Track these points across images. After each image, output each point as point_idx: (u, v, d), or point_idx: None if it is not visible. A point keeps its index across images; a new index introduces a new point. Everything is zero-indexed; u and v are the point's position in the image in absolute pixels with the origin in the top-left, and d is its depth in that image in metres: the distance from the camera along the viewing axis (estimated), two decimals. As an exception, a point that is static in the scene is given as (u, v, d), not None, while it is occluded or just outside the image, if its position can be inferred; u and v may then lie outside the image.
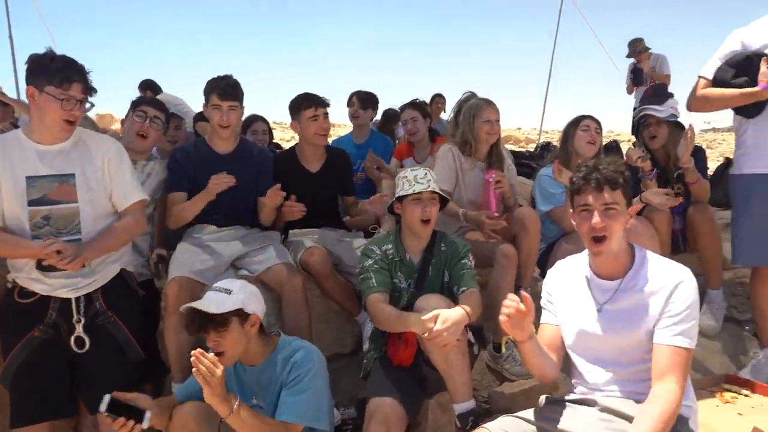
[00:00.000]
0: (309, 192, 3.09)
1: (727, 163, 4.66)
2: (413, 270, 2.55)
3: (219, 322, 2.02)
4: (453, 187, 3.16)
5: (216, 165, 2.88)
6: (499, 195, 3.01)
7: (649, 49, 6.77)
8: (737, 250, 2.82)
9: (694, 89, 2.85)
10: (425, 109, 4.36)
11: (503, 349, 2.85)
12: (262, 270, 2.80)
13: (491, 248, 2.88)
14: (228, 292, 2.10)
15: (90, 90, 2.24)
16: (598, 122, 3.28)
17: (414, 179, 2.51)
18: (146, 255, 2.97)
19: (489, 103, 3.19)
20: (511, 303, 1.84)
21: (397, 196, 2.55)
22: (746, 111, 2.69)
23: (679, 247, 3.27)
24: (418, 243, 2.58)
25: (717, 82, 2.74)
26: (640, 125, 3.37)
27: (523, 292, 1.91)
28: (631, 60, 6.99)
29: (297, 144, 3.33)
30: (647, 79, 6.69)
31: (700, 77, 2.84)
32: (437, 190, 2.52)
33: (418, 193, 2.47)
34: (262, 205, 2.97)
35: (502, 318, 1.87)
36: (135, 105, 3.01)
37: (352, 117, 4.54)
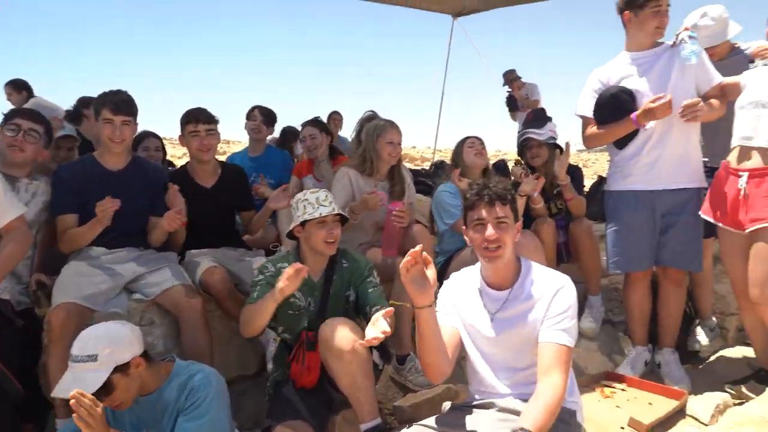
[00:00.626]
0: (205, 209, 3.01)
1: (600, 180, 5.16)
2: (314, 288, 2.54)
3: (100, 392, 1.85)
4: (345, 210, 3.24)
5: (106, 182, 2.74)
6: (400, 228, 3.05)
7: (520, 78, 7.32)
8: (610, 258, 3.12)
9: (583, 129, 3.14)
10: (325, 126, 4.39)
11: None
12: (158, 292, 2.67)
13: (390, 263, 2.95)
14: (93, 358, 1.89)
15: None
16: (481, 140, 3.57)
17: (317, 202, 2.50)
18: (25, 281, 2.71)
19: (393, 125, 3.29)
20: (412, 252, 1.86)
21: (301, 220, 2.50)
22: (618, 142, 3.00)
23: (562, 258, 3.57)
24: (319, 261, 2.56)
25: (597, 119, 3.02)
26: (523, 147, 3.67)
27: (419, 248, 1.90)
28: (506, 88, 7.50)
29: (188, 161, 3.24)
30: (522, 105, 7.22)
31: (581, 116, 3.12)
32: (340, 212, 2.54)
33: (323, 216, 2.47)
34: (154, 225, 2.85)
35: (402, 271, 1.87)
36: (7, 118, 2.74)
37: (253, 131, 4.47)
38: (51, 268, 2.74)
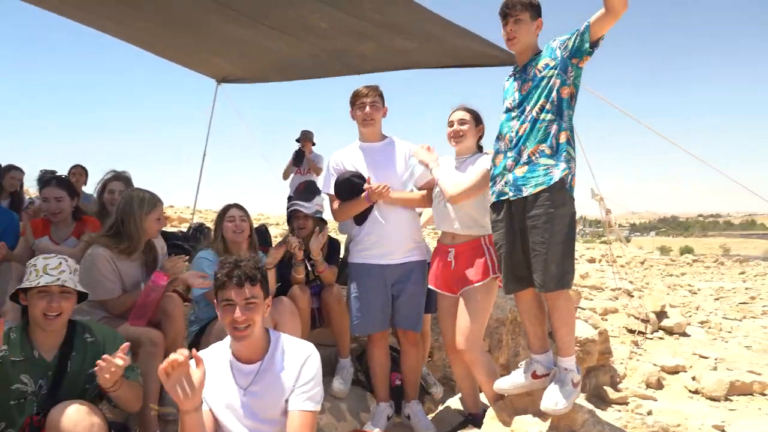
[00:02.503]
0: None
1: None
2: (47, 368, 2.26)
3: None
4: (119, 293, 3.05)
5: None
6: (159, 299, 2.96)
7: (315, 144, 7.71)
8: (353, 322, 3.44)
9: (330, 204, 3.50)
10: (73, 188, 3.87)
11: None
12: None
13: (137, 336, 2.80)
14: None
15: None
16: (243, 210, 3.58)
17: (44, 270, 2.25)
18: None
19: (160, 201, 3.22)
20: (173, 357, 1.81)
21: (20, 286, 2.25)
22: (357, 220, 3.42)
23: (316, 322, 3.78)
24: (52, 337, 2.31)
25: (338, 197, 3.41)
26: (291, 216, 3.88)
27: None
28: (298, 145, 7.74)
29: None
30: (306, 164, 7.54)
31: (326, 194, 3.51)
32: (69, 285, 2.29)
33: (44, 286, 2.23)
34: None
35: (161, 376, 1.81)
36: None
37: None
38: None
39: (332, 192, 3.43)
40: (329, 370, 3.82)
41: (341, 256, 4.09)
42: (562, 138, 2.75)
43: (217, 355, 2.19)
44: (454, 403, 3.78)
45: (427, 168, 3.23)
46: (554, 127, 2.75)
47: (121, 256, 3.06)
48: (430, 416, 3.71)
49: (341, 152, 3.51)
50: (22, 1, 4.58)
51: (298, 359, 2.15)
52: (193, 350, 1.93)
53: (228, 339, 2.18)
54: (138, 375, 2.45)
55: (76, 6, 4.93)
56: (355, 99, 3.37)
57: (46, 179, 3.83)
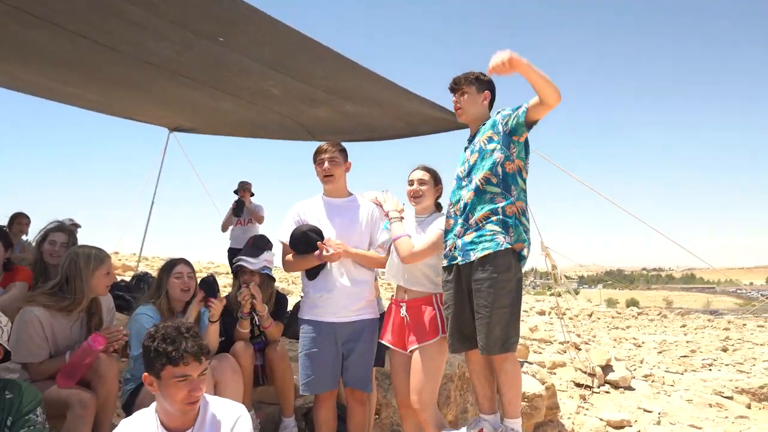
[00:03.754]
0: None
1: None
2: None
3: None
4: (46, 357, 2.90)
5: None
6: (90, 363, 2.83)
7: (253, 195, 7.67)
8: (302, 381, 3.33)
9: (283, 254, 3.42)
10: (8, 238, 3.77)
11: None
12: None
13: (66, 397, 2.66)
14: None
15: None
16: (191, 266, 3.49)
17: None
18: None
19: (108, 256, 3.12)
20: None
21: None
22: (309, 274, 3.35)
23: (259, 380, 3.66)
24: None
25: (293, 249, 3.34)
26: (237, 271, 3.78)
27: None
28: (236, 196, 7.69)
29: None
30: (247, 214, 7.48)
31: (281, 242, 3.42)
32: None
33: None
34: None
35: None
36: None
37: None
38: None
39: (288, 242, 3.37)
40: (273, 429, 3.69)
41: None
42: (510, 211, 2.85)
43: (144, 423, 2.09)
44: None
45: (388, 219, 3.26)
46: (501, 200, 2.86)
47: (59, 314, 2.94)
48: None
49: (304, 203, 3.47)
50: None
51: (228, 423, 2.09)
52: None
53: (154, 406, 2.09)
54: None
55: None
56: (316, 155, 3.38)
57: None
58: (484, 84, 3.07)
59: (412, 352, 3.13)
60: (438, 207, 3.39)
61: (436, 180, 3.34)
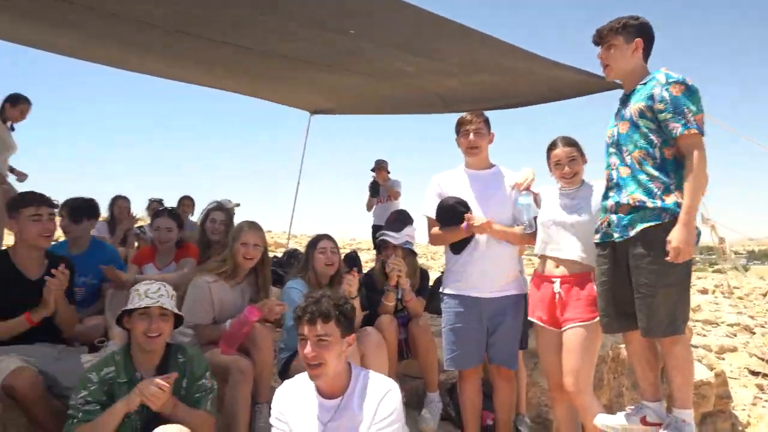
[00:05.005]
0: (25, 301, 2.72)
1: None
2: None
3: None
4: (210, 321, 3.16)
5: None
6: (247, 332, 3.02)
7: (389, 172, 7.73)
8: (446, 356, 3.29)
9: (428, 228, 3.36)
10: (180, 219, 4.25)
11: None
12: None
13: (227, 363, 2.87)
14: None
15: None
16: (334, 241, 3.57)
17: (145, 293, 2.42)
18: None
19: (251, 226, 3.30)
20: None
21: (123, 309, 2.43)
22: (454, 248, 3.26)
23: (404, 354, 3.69)
24: (151, 358, 2.45)
25: (438, 222, 3.26)
26: (380, 246, 3.81)
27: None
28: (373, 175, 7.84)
29: (11, 247, 2.94)
30: (383, 193, 7.60)
31: (427, 218, 3.34)
32: (167, 307, 2.44)
33: (145, 308, 2.38)
34: None
35: None
36: None
37: (64, 230, 3.87)
38: None
39: (433, 216, 3.29)
40: (417, 403, 3.72)
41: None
42: (669, 200, 2.51)
43: (303, 385, 2.19)
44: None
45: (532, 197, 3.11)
46: (659, 185, 2.54)
47: (225, 285, 3.20)
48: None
49: (444, 176, 3.36)
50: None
51: (376, 395, 2.11)
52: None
53: None
54: (207, 402, 2.49)
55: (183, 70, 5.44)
56: (460, 126, 3.26)
57: (160, 211, 4.22)
58: (633, 31, 2.65)
59: (565, 330, 2.94)
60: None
61: (581, 153, 3.10)
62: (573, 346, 2.89)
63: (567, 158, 3.04)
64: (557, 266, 3.04)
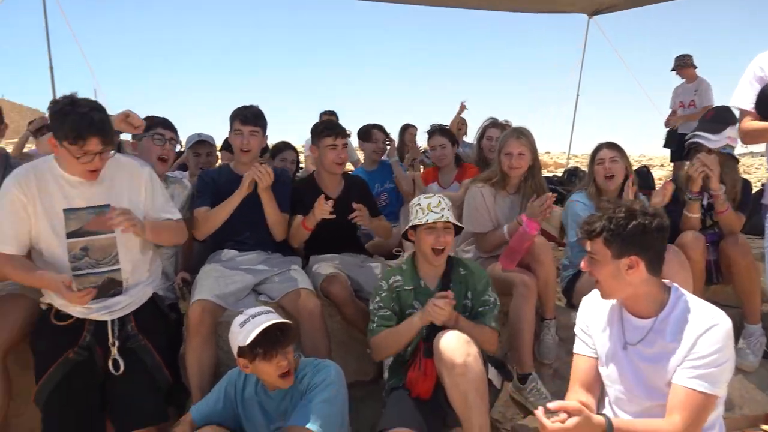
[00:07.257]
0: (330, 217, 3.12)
1: (762, 190, 4.48)
2: (430, 296, 2.47)
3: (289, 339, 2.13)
4: (490, 229, 3.19)
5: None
6: (528, 247, 2.94)
7: (696, 68, 6.51)
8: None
9: (740, 122, 2.69)
10: (453, 136, 4.42)
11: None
12: (282, 295, 2.79)
13: (510, 278, 2.85)
14: (267, 312, 2.17)
15: (108, 141, 2.13)
16: (616, 148, 3.16)
17: (428, 208, 2.48)
18: (171, 278, 2.98)
19: (514, 135, 3.17)
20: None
21: (410, 224, 2.53)
22: None
23: (712, 278, 3.16)
24: (435, 269, 2.56)
25: (760, 113, 2.56)
26: (690, 151, 3.20)
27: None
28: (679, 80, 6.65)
29: (315, 171, 3.37)
30: (688, 95, 6.47)
31: (740, 109, 2.67)
32: (451, 220, 2.47)
33: (432, 222, 2.45)
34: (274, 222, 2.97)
35: None
36: (149, 128, 2.85)
37: (375, 153, 4.59)
38: (193, 268, 2.99)
39: (748, 107, 2.60)
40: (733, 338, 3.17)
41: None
42: None
43: (607, 302, 2.01)
44: None
45: None
46: None
47: (498, 194, 3.19)
48: None
49: (766, 54, 2.59)
50: None
51: (697, 327, 1.77)
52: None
53: None
54: (492, 317, 2.50)
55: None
56: None
57: (432, 130, 4.40)
58: None
59: None
60: None
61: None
62: None
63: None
64: None
